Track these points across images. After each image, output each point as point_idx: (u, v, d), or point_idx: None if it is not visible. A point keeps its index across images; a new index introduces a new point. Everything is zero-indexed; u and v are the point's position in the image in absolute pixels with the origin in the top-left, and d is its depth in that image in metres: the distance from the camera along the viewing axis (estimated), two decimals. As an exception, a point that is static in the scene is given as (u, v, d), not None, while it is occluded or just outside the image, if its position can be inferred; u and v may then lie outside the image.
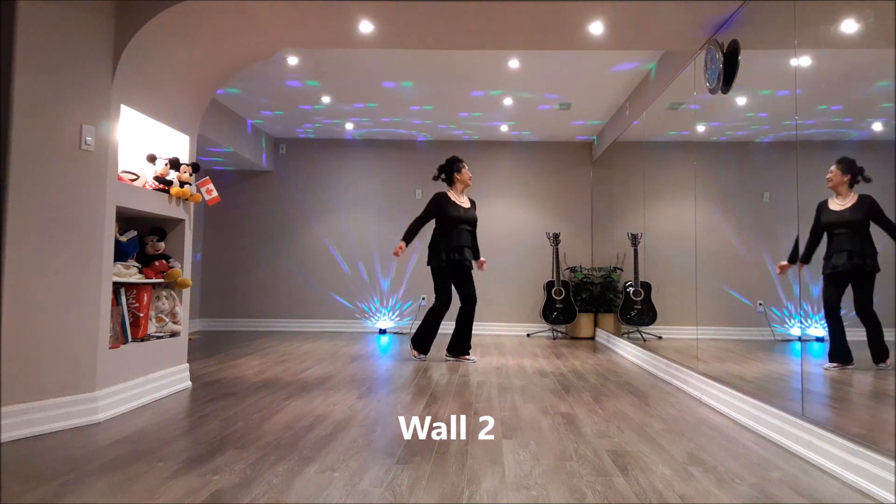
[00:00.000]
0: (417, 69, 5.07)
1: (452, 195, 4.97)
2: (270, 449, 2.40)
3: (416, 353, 5.01)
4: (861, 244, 2.51)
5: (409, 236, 4.90)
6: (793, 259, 2.75)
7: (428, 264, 4.95)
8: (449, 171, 5.02)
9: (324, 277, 7.58)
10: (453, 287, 4.91)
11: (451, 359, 4.97)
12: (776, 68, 2.87)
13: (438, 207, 4.90)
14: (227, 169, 7.61)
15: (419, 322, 5.01)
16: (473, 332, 7.48)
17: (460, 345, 4.95)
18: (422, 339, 4.97)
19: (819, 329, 2.59)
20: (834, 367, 2.65)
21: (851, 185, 2.47)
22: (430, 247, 4.95)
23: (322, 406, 3.19)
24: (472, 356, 5.03)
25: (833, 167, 2.53)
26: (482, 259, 5.15)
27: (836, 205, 2.55)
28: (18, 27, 2.58)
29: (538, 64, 4.90)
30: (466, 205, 5.00)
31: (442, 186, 5.13)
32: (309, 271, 7.59)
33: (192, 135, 3.78)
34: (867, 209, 2.43)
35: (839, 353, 2.65)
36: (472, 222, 4.99)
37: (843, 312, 2.55)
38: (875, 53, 2.16)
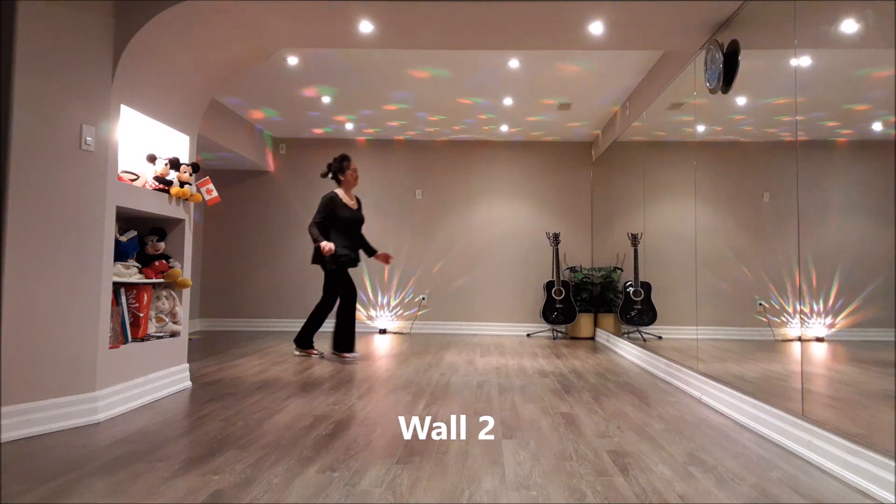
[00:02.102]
0: (417, 69, 5.07)
1: (341, 194, 5.02)
2: (270, 449, 2.40)
3: (309, 350, 5.11)
4: None
5: (318, 240, 4.89)
6: None
7: (314, 262, 5.00)
8: (338, 169, 5.08)
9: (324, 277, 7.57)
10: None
11: (335, 355, 5.06)
12: (776, 68, 2.87)
13: (330, 209, 4.93)
14: (227, 169, 7.60)
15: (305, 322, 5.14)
16: (474, 331, 7.51)
17: (349, 340, 5.05)
18: (307, 336, 5.09)
19: (819, 329, 2.58)
20: None
21: None
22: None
23: (322, 406, 3.19)
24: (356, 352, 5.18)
25: None
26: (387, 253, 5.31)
27: None
28: (18, 27, 2.58)
29: (538, 64, 4.90)
30: (355, 205, 5.10)
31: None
32: (309, 271, 7.58)
33: (192, 135, 3.78)
34: None
35: None
36: (361, 222, 5.14)
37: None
38: (875, 53, 2.16)
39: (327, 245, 4.73)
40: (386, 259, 5.20)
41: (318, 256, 4.95)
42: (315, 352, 5.14)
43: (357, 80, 5.39)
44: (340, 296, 5.01)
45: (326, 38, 3.73)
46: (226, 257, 7.62)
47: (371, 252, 5.22)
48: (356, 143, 7.69)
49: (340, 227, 4.94)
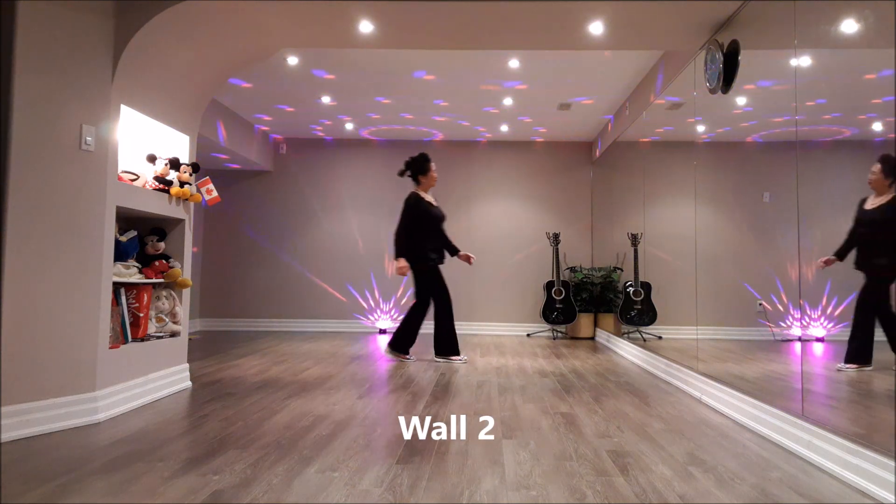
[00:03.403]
0: (417, 69, 5.07)
1: (423, 194, 4.96)
2: (270, 449, 2.40)
3: (402, 356, 4.96)
4: (881, 246, 2.46)
5: (401, 250, 4.83)
6: (840, 254, 2.70)
7: (414, 267, 4.87)
8: (418, 169, 4.98)
9: (324, 277, 7.58)
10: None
11: (441, 360, 4.93)
12: (776, 68, 2.87)
13: (418, 211, 4.86)
14: (226, 169, 7.61)
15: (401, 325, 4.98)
16: (474, 331, 7.51)
17: (453, 343, 4.93)
18: (405, 341, 4.94)
19: (819, 329, 2.58)
20: (851, 367, 2.63)
21: (892, 184, 2.44)
22: (413, 249, 4.87)
23: (322, 406, 3.19)
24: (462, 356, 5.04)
25: (876, 167, 2.49)
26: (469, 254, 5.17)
27: (870, 203, 2.50)
28: (18, 27, 2.58)
29: (538, 64, 4.90)
30: (435, 204, 5.04)
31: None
32: (309, 271, 7.59)
33: (192, 135, 3.78)
34: (893, 212, 2.40)
35: (861, 353, 2.61)
36: (445, 220, 5.07)
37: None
38: (875, 53, 2.16)
39: (404, 265, 4.72)
40: (468, 259, 5.10)
41: (409, 258, 4.84)
42: (408, 357, 4.97)
43: (357, 80, 5.39)
44: (436, 298, 4.87)
45: (326, 38, 3.73)
46: (226, 257, 7.62)
47: (454, 251, 5.09)
48: (356, 143, 7.69)
49: (428, 227, 4.85)
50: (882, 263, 2.43)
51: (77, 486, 1.98)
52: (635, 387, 3.90)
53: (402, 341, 4.94)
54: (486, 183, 7.60)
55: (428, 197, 4.97)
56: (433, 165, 5.03)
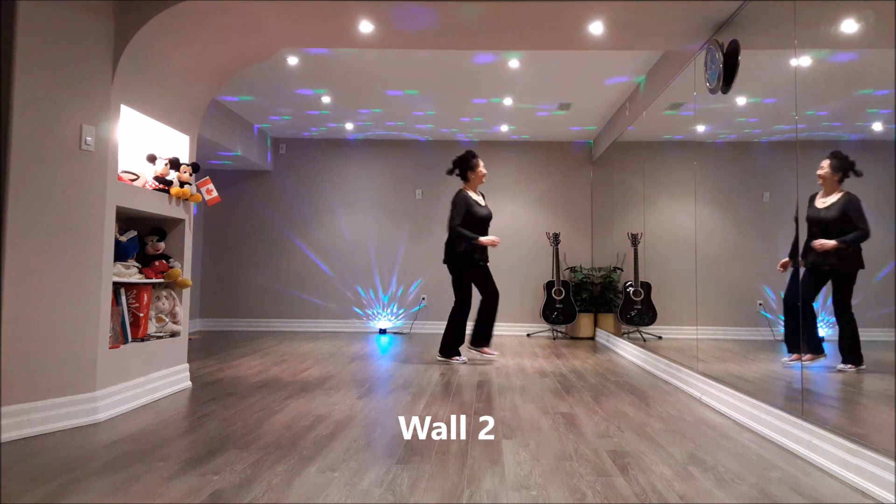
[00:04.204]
0: (417, 69, 5.07)
1: (471, 193, 4.92)
2: (270, 449, 2.40)
3: (454, 358, 4.90)
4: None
5: (473, 238, 4.78)
6: (792, 255, 2.77)
7: (447, 262, 4.86)
8: (466, 167, 4.94)
9: (324, 277, 7.58)
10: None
11: (475, 350, 4.95)
12: (776, 68, 2.87)
13: (467, 208, 4.81)
14: (226, 169, 7.61)
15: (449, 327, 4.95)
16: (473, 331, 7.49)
17: (488, 336, 4.95)
18: (453, 344, 4.91)
19: (820, 329, 2.58)
20: (791, 358, 2.68)
21: (842, 181, 2.47)
22: (456, 246, 4.82)
23: (322, 406, 3.19)
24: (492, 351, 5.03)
25: (825, 162, 2.52)
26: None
27: (820, 202, 2.56)
28: (18, 27, 2.58)
29: (538, 64, 4.90)
30: (483, 202, 4.99)
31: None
32: (309, 271, 7.59)
33: (192, 135, 3.78)
34: (845, 208, 2.44)
35: (793, 343, 2.68)
36: (491, 219, 5.02)
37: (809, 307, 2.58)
38: (875, 53, 2.16)
39: (489, 239, 4.68)
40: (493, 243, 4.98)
41: (451, 256, 4.80)
42: (457, 359, 4.92)
43: (357, 81, 5.39)
44: (484, 294, 4.86)
45: (326, 38, 3.73)
46: (226, 257, 7.62)
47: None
48: (356, 143, 7.69)
49: (475, 226, 4.82)
50: (832, 262, 2.47)
51: (77, 486, 1.98)
52: (635, 387, 3.90)
53: (449, 344, 4.91)
54: (486, 183, 7.58)
55: (475, 195, 4.94)
56: (480, 162, 4.98)
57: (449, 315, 4.96)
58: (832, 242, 2.48)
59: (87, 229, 2.83)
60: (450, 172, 5.00)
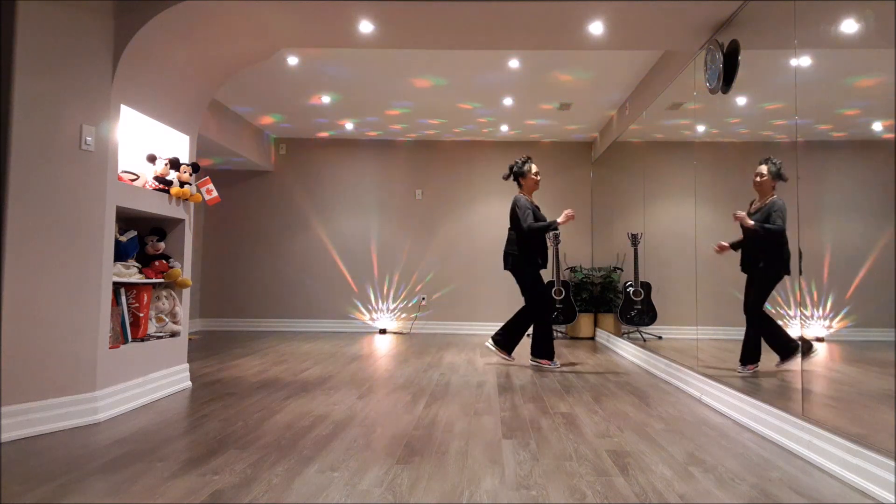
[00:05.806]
0: (417, 69, 5.07)
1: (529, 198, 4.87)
2: (270, 449, 2.40)
3: (545, 361, 4.79)
4: (756, 246, 2.59)
5: (552, 225, 4.74)
6: (734, 246, 2.88)
7: (509, 268, 4.79)
8: (520, 172, 4.89)
9: (324, 277, 7.58)
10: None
11: (533, 363, 4.84)
12: (776, 68, 2.87)
13: (532, 211, 4.77)
14: (227, 169, 7.61)
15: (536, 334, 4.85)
16: (474, 331, 7.51)
17: (549, 346, 4.80)
18: (545, 346, 4.79)
19: (820, 329, 2.58)
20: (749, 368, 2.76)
21: (775, 187, 2.52)
22: (524, 250, 4.76)
23: (322, 406, 3.19)
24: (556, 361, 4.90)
25: (763, 167, 2.56)
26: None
27: (754, 206, 2.61)
28: (18, 27, 2.59)
29: (538, 64, 4.90)
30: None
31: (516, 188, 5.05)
32: (309, 271, 7.59)
33: (192, 135, 3.78)
34: (769, 209, 2.49)
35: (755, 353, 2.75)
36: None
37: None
38: (875, 53, 2.16)
39: (567, 213, 4.61)
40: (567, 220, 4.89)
41: (516, 261, 4.73)
42: (509, 358, 4.93)
43: (358, 81, 5.39)
44: (534, 300, 4.77)
45: (327, 38, 3.73)
46: (226, 257, 7.62)
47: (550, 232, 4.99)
48: (356, 143, 7.69)
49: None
50: (760, 266, 2.54)
51: (77, 486, 1.98)
52: (635, 387, 3.90)
53: (543, 347, 4.78)
54: (486, 182, 7.60)
55: (532, 200, 4.91)
56: (534, 167, 4.95)
57: (524, 317, 4.79)
58: (742, 213, 2.60)
59: (87, 229, 2.83)
60: (506, 178, 5.01)
